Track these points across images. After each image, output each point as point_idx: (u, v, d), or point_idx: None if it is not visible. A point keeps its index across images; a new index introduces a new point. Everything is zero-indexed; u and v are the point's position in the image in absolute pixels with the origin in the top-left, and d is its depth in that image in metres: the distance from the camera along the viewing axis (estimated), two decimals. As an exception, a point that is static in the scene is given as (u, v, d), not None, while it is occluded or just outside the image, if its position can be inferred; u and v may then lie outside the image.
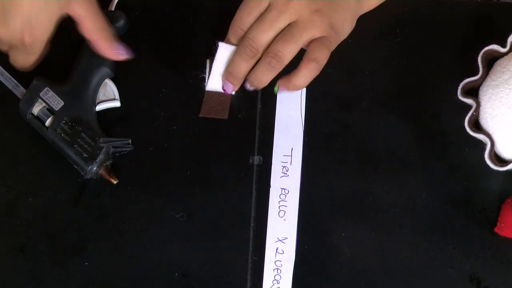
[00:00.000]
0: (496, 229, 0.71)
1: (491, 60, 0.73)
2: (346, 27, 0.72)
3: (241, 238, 0.72)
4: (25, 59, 0.71)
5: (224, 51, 0.72)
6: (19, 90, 0.75)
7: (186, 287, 0.71)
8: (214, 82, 0.74)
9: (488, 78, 0.71)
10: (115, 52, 0.72)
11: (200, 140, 0.75)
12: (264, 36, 0.69)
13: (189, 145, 0.75)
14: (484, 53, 0.72)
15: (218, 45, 0.72)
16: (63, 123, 0.73)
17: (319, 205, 0.73)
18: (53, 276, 0.72)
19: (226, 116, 0.75)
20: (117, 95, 0.76)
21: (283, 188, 0.74)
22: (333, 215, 0.73)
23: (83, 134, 0.73)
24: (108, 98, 0.76)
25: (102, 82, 0.75)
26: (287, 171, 0.74)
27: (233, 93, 0.74)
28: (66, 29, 0.78)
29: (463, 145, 0.74)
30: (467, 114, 0.71)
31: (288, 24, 0.69)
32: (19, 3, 0.66)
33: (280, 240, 0.72)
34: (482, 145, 0.71)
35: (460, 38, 0.77)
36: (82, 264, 0.72)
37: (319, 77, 0.73)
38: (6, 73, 0.76)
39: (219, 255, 0.72)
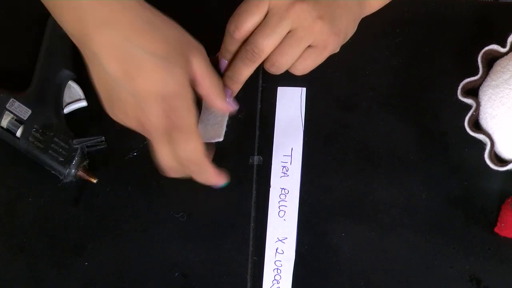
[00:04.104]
0: (496, 229, 0.71)
1: (491, 60, 0.73)
2: (348, 31, 0.71)
3: (241, 238, 0.72)
4: (192, 146, 0.65)
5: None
6: None
7: (186, 287, 0.72)
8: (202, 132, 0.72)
9: (488, 78, 0.71)
10: (229, 106, 0.70)
11: (200, 140, 0.75)
12: (266, 41, 0.67)
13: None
14: (484, 53, 0.72)
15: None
16: (34, 131, 0.73)
17: (319, 205, 0.73)
18: (53, 276, 0.72)
19: (221, 138, 0.73)
20: (82, 95, 0.76)
21: (283, 188, 0.74)
22: (333, 215, 0.73)
23: (55, 139, 0.73)
24: (74, 99, 0.76)
25: (66, 85, 0.75)
26: (287, 171, 0.74)
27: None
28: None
29: (463, 145, 0.74)
30: (467, 114, 0.71)
31: (289, 31, 0.68)
32: (144, 86, 0.61)
33: (280, 240, 0.72)
34: (482, 145, 0.71)
35: (460, 38, 0.77)
36: (82, 264, 0.72)
37: (319, 77, 0.73)
38: None
39: (219, 255, 0.72)
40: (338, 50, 0.71)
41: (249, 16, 0.67)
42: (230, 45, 0.70)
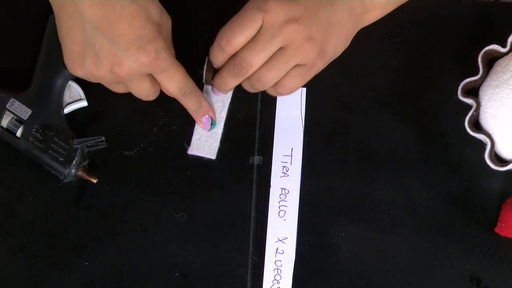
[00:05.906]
0: (496, 229, 0.71)
1: (491, 60, 0.73)
2: (337, 51, 0.70)
3: (241, 238, 0.72)
4: (179, 78, 0.70)
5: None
6: None
7: (186, 287, 0.72)
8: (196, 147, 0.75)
9: (488, 78, 0.71)
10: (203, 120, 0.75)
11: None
12: (255, 57, 0.67)
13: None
14: (484, 53, 0.72)
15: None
16: (34, 131, 0.73)
17: (319, 205, 0.73)
18: (53, 276, 0.72)
19: (214, 156, 0.75)
20: (82, 95, 0.76)
21: (283, 188, 0.74)
22: (333, 215, 0.73)
23: (55, 139, 0.73)
24: (74, 99, 0.76)
25: (66, 85, 0.75)
26: (287, 171, 0.74)
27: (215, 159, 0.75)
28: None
29: (463, 145, 0.74)
30: (467, 114, 0.71)
31: (279, 48, 0.67)
32: (124, 31, 0.64)
33: (280, 240, 0.72)
34: (482, 145, 0.71)
35: (460, 38, 0.77)
36: (82, 264, 0.72)
37: (319, 77, 0.73)
38: None
39: (219, 255, 0.72)
40: (322, 68, 0.70)
41: (243, 30, 0.66)
42: (220, 55, 0.69)
